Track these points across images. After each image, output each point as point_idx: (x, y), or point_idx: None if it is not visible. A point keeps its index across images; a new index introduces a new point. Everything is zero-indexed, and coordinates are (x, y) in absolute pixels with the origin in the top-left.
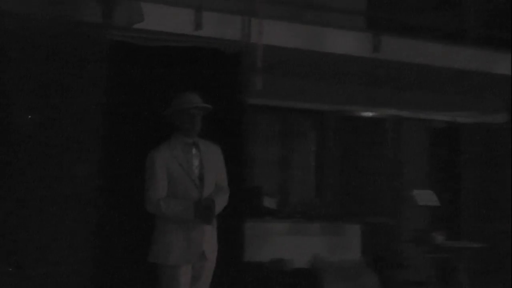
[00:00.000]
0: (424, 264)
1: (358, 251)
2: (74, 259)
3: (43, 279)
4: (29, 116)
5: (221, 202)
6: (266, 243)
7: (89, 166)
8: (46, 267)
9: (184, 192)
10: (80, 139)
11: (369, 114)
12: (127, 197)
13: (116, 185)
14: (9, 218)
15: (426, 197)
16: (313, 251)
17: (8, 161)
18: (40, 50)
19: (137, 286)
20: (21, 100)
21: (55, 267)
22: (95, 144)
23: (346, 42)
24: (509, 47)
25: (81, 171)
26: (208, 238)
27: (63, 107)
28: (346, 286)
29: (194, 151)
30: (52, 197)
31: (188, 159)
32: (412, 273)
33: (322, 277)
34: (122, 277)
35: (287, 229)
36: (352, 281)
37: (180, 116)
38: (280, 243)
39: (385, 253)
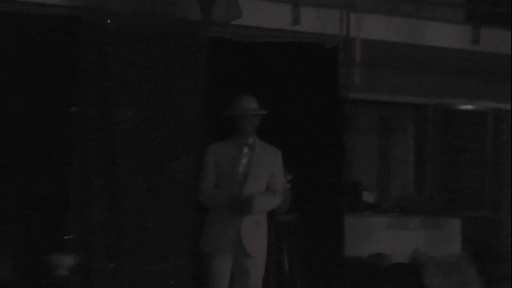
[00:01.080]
0: None
1: (458, 245)
2: (175, 256)
3: (144, 275)
4: (129, 113)
5: (264, 201)
6: (365, 238)
7: (190, 162)
8: (147, 263)
9: (227, 186)
10: (181, 135)
11: (468, 107)
12: None
13: None
14: (111, 215)
15: None
16: (413, 245)
17: (109, 158)
18: (142, 48)
19: None
20: (122, 97)
21: (156, 264)
22: (195, 140)
23: (444, 35)
24: None
25: (182, 167)
26: (249, 233)
27: (163, 103)
28: (447, 280)
29: (245, 150)
30: (153, 193)
31: (237, 156)
32: None
33: (422, 272)
34: None
35: (387, 223)
36: (452, 276)
37: (236, 118)
38: (380, 237)
39: (486, 247)
